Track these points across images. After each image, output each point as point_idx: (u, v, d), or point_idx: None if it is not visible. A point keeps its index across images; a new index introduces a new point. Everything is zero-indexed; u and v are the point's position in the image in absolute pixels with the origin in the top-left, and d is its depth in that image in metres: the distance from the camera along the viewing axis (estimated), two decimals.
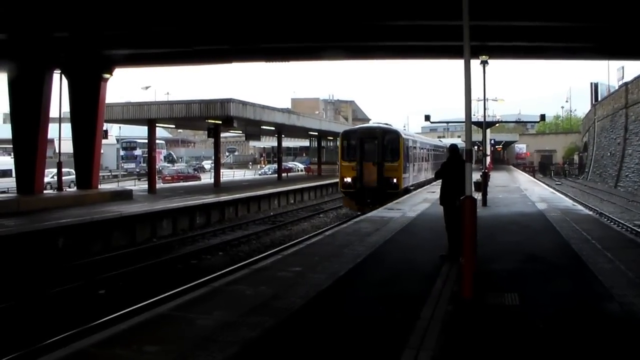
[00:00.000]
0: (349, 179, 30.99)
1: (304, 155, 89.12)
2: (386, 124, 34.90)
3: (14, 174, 29.68)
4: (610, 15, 19.69)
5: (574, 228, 17.43)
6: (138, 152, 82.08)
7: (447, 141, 62.09)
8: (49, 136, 28.39)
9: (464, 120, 10.38)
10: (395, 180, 30.64)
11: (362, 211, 27.58)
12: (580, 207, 27.18)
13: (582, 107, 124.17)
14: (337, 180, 36.40)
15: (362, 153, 30.89)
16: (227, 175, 60.15)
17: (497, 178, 47.36)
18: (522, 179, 52.76)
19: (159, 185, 43.77)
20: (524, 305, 9.10)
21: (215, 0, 20.02)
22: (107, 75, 29.74)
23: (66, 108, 30.86)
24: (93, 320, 12.15)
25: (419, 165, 38.14)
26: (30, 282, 15.72)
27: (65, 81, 29.76)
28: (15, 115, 27.14)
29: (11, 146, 30.83)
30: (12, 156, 30.10)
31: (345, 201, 32.70)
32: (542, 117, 45.60)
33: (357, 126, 38.13)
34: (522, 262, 12.44)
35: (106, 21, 21.71)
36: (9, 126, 29.08)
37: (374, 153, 30.76)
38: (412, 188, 33.95)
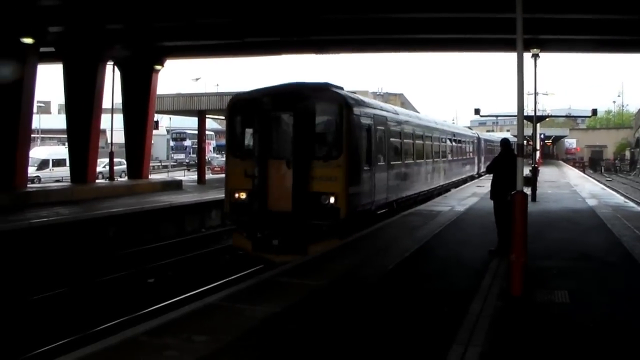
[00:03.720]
0: (242, 195, 15.93)
1: None
2: (326, 83, 17.56)
3: (67, 164, 30.30)
4: None
5: (626, 225, 17.10)
6: (188, 143, 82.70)
7: (497, 135, 59.94)
8: (102, 127, 28.96)
9: (513, 114, 10.30)
10: (332, 200, 15.17)
11: (269, 260, 15.12)
12: (632, 204, 26.60)
13: (634, 101, 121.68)
14: None
15: (266, 142, 15.62)
16: None
17: (547, 173, 46.65)
18: (572, 174, 51.92)
19: (208, 176, 44.21)
20: (573, 303, 9.01)
21: None
22: (158, 67, 30.19)
23: (118, 99, 31.43)
24: (143, 308, 12.40)
25: (400, 169, 20.96)
26: (83, 269, 16.06)
27: (117, 73, 30.31)
28: (70, 106, 27.73)
29: (65, 136, 31.53)
30: (66, 146, 30.76)
31: (236, 238, 16.66)
32: (594, 111, 44.76)
33: (259, 88, 17.56)
34: (572, 260, 12.26)
35: (159, 13, 22.05)
36: (64, 117, 29.71)
37: (289, 142, 15.60)
38: (383, 211, 18.88)
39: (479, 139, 45.10)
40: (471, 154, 40.35)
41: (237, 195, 16.05)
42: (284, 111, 15.85)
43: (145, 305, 12.74)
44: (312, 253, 13.74)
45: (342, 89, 17.22)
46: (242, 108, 16.81)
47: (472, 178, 39.20)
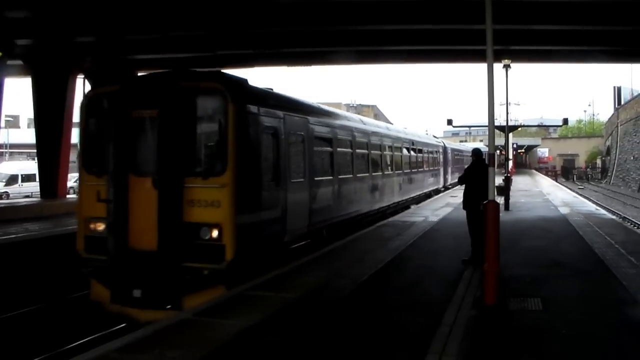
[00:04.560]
0: (99, 226, 11.82)
1: None
2: (216, 71, 15.19)
3: (37, 179, 29.94)
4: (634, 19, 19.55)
5: (597, 232, 17.27)
6: None
7: (469, 145, 59.67)
8: (72, 141, 28.64)
9: (485, 124, 10.32)
10: (215, 233, 11.05)
11: (131, 317, 11.18)
12: (603, 211, 26.95)
13: (605, 111, 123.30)
14: None
15: (125, 152, 11.52)
16: None
17: (520, 182, 47.06)
18: (545, 183, 52.42)
19: None
20: (547, 310, 9.04)
21: (240, 6, 20.17)
22: None
23: None
24: (114, 325, 12.22)
25: (332, 186, 16.79)
26: (54, 286, 15.81)
27: (88, 86, 30.05)
28: (39, 120, 27.40)
29: (35, 151, 31.15)
30: (36, 161, 30.42)
31: (93, 287, 11.96)
32: (565, 121, 45.28)
33: (124, 78, 16.02)
34: (545, 267, 12.33)
35: (130, 26, 21.93)
36: (33, 131, 29.35)
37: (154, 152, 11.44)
38: (303, 243, 14.71)
39: (445, 148, 41.44)
40: (435, 165, 36.82)
41: (92, 226, 11.85)
42: (148, 108, 11.35)
43: (118, 321, 12.56)
44: (189, 308, 10.09)
45: (244, 80, 12.83)
46: (98, 106, 12.20)
47: (437, 192, 36.49)
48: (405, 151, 27.09)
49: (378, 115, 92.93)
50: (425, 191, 32.59)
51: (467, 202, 12.96)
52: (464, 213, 13.29)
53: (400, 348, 7.42)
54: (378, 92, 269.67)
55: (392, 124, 38.82)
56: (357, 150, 19.26)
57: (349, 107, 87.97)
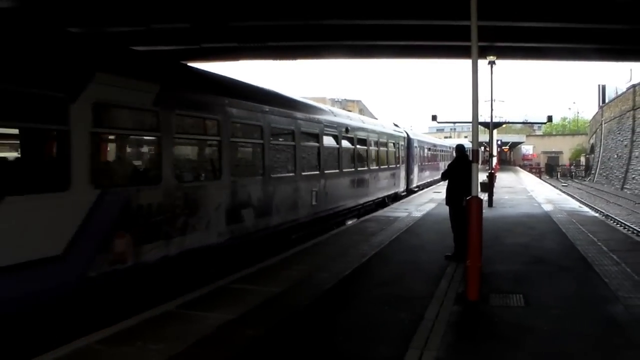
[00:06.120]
0: None
1: None
2: None
3: None
4: (624, 18, 19.62)
5: (580, 230, 17.35)
6: None
7: (453, 142, 59.19)
8: None
9: (470, 120, 10.33)
10: None
11: None
12: (586, 208, 27.06)
13: (589, 108, 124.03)
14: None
15: None
16: None
17: (504, 179, 47.26)
18: (529, 180, 52.64)
19: None
20: (529, 307, 9.07)
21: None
22: None
23: None
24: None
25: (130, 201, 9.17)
26: None
27: None
28: None
29: None
30: None
31: None
32: (549, 118, 45.41)
33: None
34: (528, 264, 12.37)
35: (114, 17, 21.77)
36: None
37: None
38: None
39: (409, 140, 33.04)
40: (393, 162, 28.04)
41: None
42: None
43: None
44: None
45: None
46: None
47: (395, 198, 28.46)
48: (331, 141, 19.08)
49: (363, 110, 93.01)
50: (371, 198, 24.07)
51: (450, 198, 13.01)
52: (447, 209, 13.34)
53: (382, 342, 7.44)
54: (364, 88, 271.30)
55: (377, 118, 37.27)
56: (199, 137, 12.24)
57: (334, 101, 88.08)
